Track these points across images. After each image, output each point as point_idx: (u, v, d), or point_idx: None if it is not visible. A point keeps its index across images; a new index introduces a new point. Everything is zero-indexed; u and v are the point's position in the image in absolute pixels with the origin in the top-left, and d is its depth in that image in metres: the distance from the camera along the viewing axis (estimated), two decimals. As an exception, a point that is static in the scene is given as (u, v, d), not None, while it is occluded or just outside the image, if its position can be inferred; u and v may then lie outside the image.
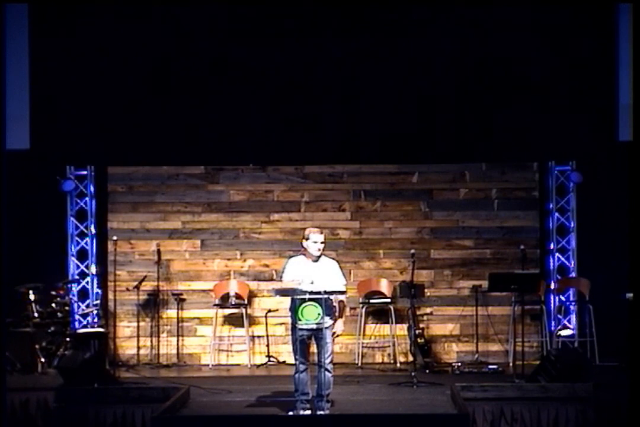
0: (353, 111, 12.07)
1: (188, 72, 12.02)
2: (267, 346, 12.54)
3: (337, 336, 9.26)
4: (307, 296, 8.77)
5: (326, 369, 8.92)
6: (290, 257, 9.37)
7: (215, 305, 12.60)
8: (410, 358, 11.59)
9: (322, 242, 9.00)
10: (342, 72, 12.01)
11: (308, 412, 8.97)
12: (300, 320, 8.82)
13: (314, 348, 9.12)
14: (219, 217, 12.89)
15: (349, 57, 11.98)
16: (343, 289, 9.05)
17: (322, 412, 8.88)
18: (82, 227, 12.90)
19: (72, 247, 12.87)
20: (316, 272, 9.02)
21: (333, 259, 9.34)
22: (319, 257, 9.06)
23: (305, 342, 9.01)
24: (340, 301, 9.09)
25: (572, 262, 12.80)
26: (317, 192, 12.88)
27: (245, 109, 12.05)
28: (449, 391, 9.98)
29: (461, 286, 12.75)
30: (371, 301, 12.60)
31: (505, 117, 12.00)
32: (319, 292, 8.77)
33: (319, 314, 8.79)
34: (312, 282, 8.93)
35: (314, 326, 8.85)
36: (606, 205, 12.22)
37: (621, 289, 10.87)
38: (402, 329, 12.52)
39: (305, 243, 9.07)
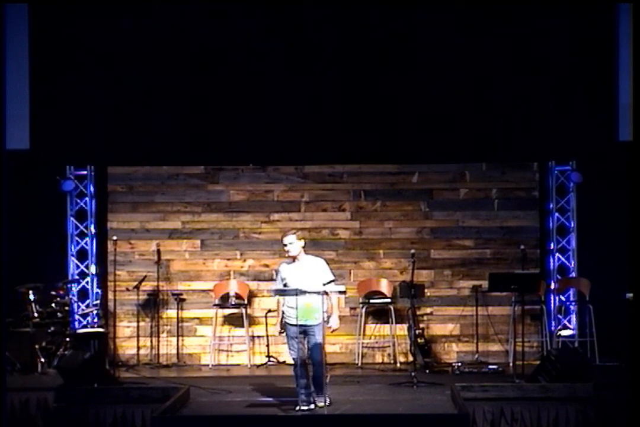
0: (353, 111, 12.06)
1: (188, 72, 12.01)
2: (267, 346, 12.55)
3: (334, 330, 9.43)
4: (306, 296, 9.04)
5: (318, 364, 9.22)
6: (282, 262, 9.68)
7: (215, 305, 12.60)
8: (410, 358, 11.58)
9: (290, 244, 9.37)
10: (342, 71, 12.00)
11: (312, 406, 9.20)
12: (299, 319, 9.07)
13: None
14: (219, 217, 12.90)
15: (349, 56, 11.98)
16: (342, 288, 9.28)
17: (321, 404, 9.13)
18: (82, 227, 12.89)
19: (72, 247, 12.87)
20: (296, 272, 9.36)
21: (321, 257, 9.66)
22: (296, 257, 9.41)
23: (298, 337, 9.27)
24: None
25: (572, 262, 12.79)
26: (317, 192, 12.89)
27: (246, 109, 12.05)
28: (449, 391, 9.99)
29: (461, 286, 12.76)
30: (371, 301, 12.61)
31: (505, 117, 11.99)
32: (317, 292, 9.03)
33: (316, 315, 9.15)
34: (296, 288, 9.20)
35: (304, 322, 9.15)
36: (606, 205, 12.21)
37: (621, 289, 10.85)
38: (402, 329, 12.52)
39: None
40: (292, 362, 9.53)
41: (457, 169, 12.83)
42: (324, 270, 9.43)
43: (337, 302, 9.44)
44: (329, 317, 9.29)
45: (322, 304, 9.10)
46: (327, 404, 9.16)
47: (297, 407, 9.20)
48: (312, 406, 9.21)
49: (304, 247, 9.48)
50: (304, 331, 9.26)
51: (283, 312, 9.46)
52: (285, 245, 9.42)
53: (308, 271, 9.35)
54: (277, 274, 9.68)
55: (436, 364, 12.19)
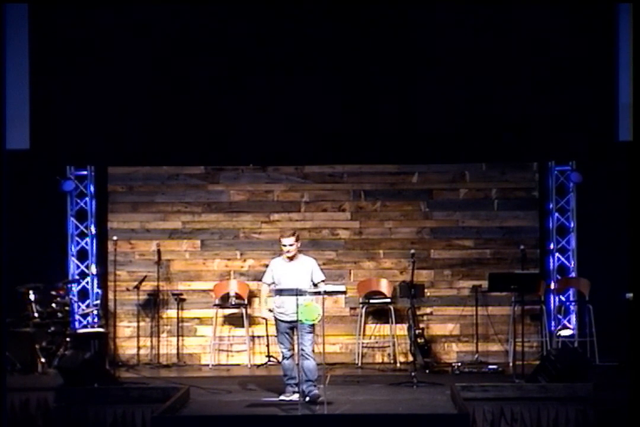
0: (353, 111, 12.06)
1: (188, 72, 12.01)
2: (267, 346, 12.54)
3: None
4: (307, 297, 9.20)
5: (308, 356, 9.54)
6: (273, 258, 10.18)
7: (215, 305, 12.60)
8: (410, 358, 11.59)
9: (290, 245, 9.75)
10: (342, 71, 12.00)
11: (296, 396, 9.42)
12: (300, 320, 9.25)
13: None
14: (219, 217, 12.90)
15: (348, 55, 11.98)
16: (342, 288, 9.50)
17: (317, 398, 9.40)
18: (82, 227, 12.90)
19: (72, 247, 12.87)
20: (292, 270, 9.77)
21: (313, 257, 10.06)
22: (294, 257, 9.77)
23: (289, 332, 9.72)
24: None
25: (572, 262, 12.79)
26: (317, 192, 12.89)
27: (246, 108, 12.05)
28: (449, 391, 10.00)
29: (461, 286, 12.76)
30: (371, 301, 12.61)
31: (505, 117, 11.99)
32: (318, 293, 9.24)
33: (318, 314, 9.29)
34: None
35: (295, 318, 9.39)
36: (606, 205, 12.21)
37: (621, 289, 10.86)
38: (402, 329, 12.53)
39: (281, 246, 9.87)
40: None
41: (457, 169, 12.83)
42: (316, 270, 9.81)
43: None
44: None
45: (320, 303, 9.31)
46: (319, 399, 9.37)
47: (282, 397, 9.73)
48: (297, 395, 9.37)
49: (299, 247, 9.88)
50: (294, 326, 9.59)
51: (274, 308, 9.82)
52: (285, 245, 9.74)
53: (301, 270, 9.76)
54: (268, 269, 9.96)
55: (436, 364, 12.19)
